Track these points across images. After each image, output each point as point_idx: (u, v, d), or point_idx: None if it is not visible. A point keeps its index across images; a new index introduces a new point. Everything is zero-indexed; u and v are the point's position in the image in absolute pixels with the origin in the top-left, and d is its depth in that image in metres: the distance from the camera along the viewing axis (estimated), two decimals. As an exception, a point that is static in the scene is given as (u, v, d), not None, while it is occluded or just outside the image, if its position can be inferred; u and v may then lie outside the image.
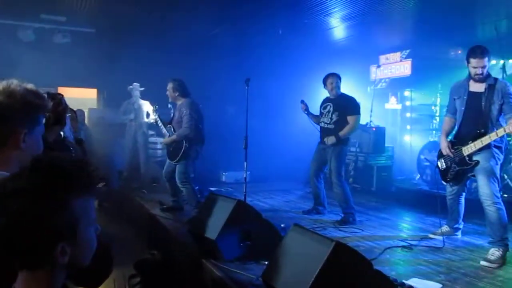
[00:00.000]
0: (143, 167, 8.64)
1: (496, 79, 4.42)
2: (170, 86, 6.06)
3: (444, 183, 4.88)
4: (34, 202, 1.05)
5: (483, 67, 4.32)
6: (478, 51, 4.31)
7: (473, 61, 4.31)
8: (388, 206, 7.03)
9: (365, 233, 5.34)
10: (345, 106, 5.95)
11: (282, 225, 4.84)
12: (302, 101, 6.32)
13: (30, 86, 1.64)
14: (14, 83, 1.58)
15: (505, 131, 4.09)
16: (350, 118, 5.89)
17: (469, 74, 4.49)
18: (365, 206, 6.89)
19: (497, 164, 4.35)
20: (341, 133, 5.83)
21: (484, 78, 4.37)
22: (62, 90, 9.25)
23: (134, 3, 7.33)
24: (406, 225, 5.95)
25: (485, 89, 4.38)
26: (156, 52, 8.99)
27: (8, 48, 8.26)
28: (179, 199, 6.28)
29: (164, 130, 6.20)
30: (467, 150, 4.39)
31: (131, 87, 8.65)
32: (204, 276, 3.94)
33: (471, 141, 4.35)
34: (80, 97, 10.16)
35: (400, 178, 8.67)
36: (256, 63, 9.21)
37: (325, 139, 5.87)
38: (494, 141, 4.28)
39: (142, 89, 8.69)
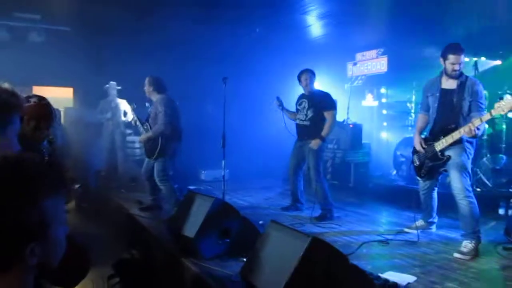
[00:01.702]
0: (121, 166, 8.57)
1: (467, 77, 4.54)
2: (146, 81, 6.08)
3: (419, 179, 4.99)
4: (2, 202, 1.04)
5: (460, 63, 4.43)
6: (457, 47, 4.43)
7: (452, 57, 4.41)
8: (365, 202, 7.13)
9: (343, 228, 5.42)
10: (321, 102, 6.00)
11: (260, 222, 4.88)
12: (277, 98, 6.34)
13: (6, 85, 1.63)
14: None
15: (464, 131, 4.20)
16: (327, 114, 5.95)
17: (443, 71, 4.59)
18: (343, 202, 6.97)
19: (468, 158, 4.47)
20: (323, 133, 5.90)
21: (458, 75, 4.48)
22: (37, 89, 9.12)
23: (111, 1, 7.26)
24: (383, 220, 6.05)
25: (457, 86, 4.49)
26: (133, 51, 8.91)
27: (-19, 47, 8.12)
28: (157, 198, 6.26)
29: (142, 129, 6.18)
30: (439, 145, 4.50)
31: (107, 86, 8.57)
32: (183, 274, 3.95)
33: (442, 137, 4.47)
34: (56, 96, 9.99)
35: (377, 174, 8.79)
36: (234, 62, 9.22)
37: (311, 144, 5.89)
38: (466, 136, 4.40)
39: (119, 87, 8.61)
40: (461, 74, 4.51)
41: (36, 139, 2.70)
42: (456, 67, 4.43)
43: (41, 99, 2.73)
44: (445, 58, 4.48)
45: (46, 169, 1.13)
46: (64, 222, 1.19)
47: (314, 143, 5.85)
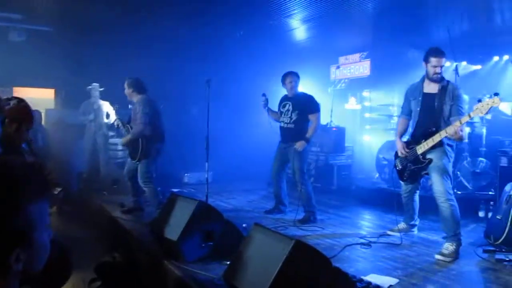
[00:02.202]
0: (103, 168, 8.49)
1: (448, 81, 4.61)
2: (125, 83, 6.04)
3: (401, 182, 5.04)
4: None
5: (442, 66, 4.51)
6: (438, 50, 4.50)
7: (434, 60, 4.48)
8: (348, 205, 7.18)
9: (326, 231, 5.45)
10: (305, 105, 6.03)
11: (244, 225, 4.87)
12: (263, 95, 6.33)
13: None
14: None
15: (446, 132, 4.27)
16: (311, 116, 5.97)
17: (425, 75, 4.66)
18: (326, 205, 7.01)
19: (449, 162, 4.54)
20: (308, 135, 5.92)
21: (440, 79, 4.55)
22: (17, 90, 9.00)
23: (93, 1, 7.19)
24: (366, 222, 6.10)
25: (439, 90, 4.56)
26: (116, 52, 8.85)
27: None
28: (139, 200, 6.21)
29: (124, 131, 6.13)
30: (421, 149, 4.56)
31: (90, 87, 8.49)
32: (166, 277, 3.92)
33: (423, 140, 4.53)
34: (37, 97, 9.86)
35: (359, 177, 8.86)
36: (218, 64, 9.23)
37: (296, 146, 5.89)
38: (447, 139, 4.46)
39: (101, 89, 8.54)
40: (442, 78, 4.58)
41: (18, 141, 2.70)
42: (438, 69, 4.50)
43: (20, 101, 2.73)
44: (426, 61, 4.55)
45: (30, 172, 1.11)
46: (48, 226, 1.18)
47: (299, 145, 5.87)
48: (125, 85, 6.04)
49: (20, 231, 1.07)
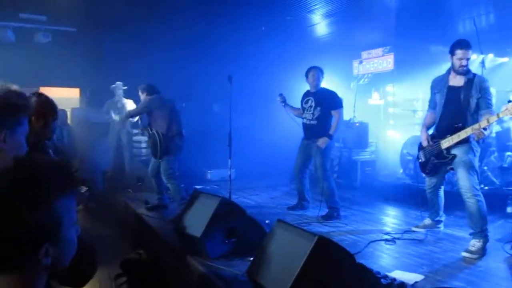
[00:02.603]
0: (128, 166, 8.60)
1: (474, 74, 4.51)
2: (139, 91, 6.36)
3: (425, 176, 4.96)
4: (16, 204, 1.05)
5: (468, 59, 4.42)
6: (464, 42, 4.41)
7: (459, 52, 4.39)
8: (372, 201, 7.11)
9: (349, 227, 5.41)
10: (328, 101, 5.99)
11: (267, 221, 4.88)
12: (280, 94, 6.36)
13: (14, 87, 1.64)
14: None
15: (472, 130, 4.19)
16: (334, 112, 5.93)
17: (451, 67, 4.56)
18: (349, 201, 6.95)
19: (475, 156, 4.44)
20: (331, 131, 5.89)
21: (466, 71, 4.46)
22: (44, 90, 9.17)
23: (116, 2, 7.28)
24: (390, 218, 6.03)
25: (464, 83, 4.46)
26: (138, 51, 8.94)
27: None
28: (164, 197, 6.29)
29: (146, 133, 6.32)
30: (445, 143, 4.48)
31: (114, 86, 8.60)
32: (189, 274, 3.96)
33: (449, 135, 4.44)
34: (63, 97, 10.05)
35: (383, 173, 8.75)
36: (240, 60, 9.23)
37: (318, 143, 5.87)
38: (473, 134, 4.37)
39: (125, 87, 8.64)
40: (468, 71, 4.48)
41: (46, 136, 2.74)
42: (464, 62, 4.41)
43: (39, 95, 2.76)
44: (452, 53, 4.46)
45: (57, 170, 1.14)
46: (75, 222, 1.21)
47: (322, 142, 5.84)
48: (139, 93, 6.35)
49: (48, 227, 1.09)
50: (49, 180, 1.11)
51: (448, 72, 4.65)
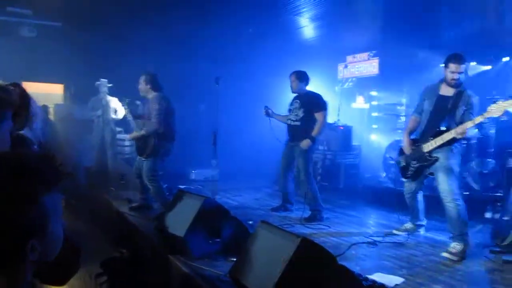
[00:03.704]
0: (111, 164, 8.52)
1: (465, 88, 4.59)
2: (142, 79, 5.93)
3: (404, 180, 5.03)
4: (4, 201, 1.04)
5: (460, 73, 4.49)
6: (457, 57, 4.49)
7: (452, 66, 4.47)
8: (355, 203, 7.17)
9: (332, 229, 5.45)
10: (312, 103, 6.02)
11: (250, 222, 4.89)
12: (265, 107, 6.40)
13: None
14: None
15: (456, 132, 4.27)
16: (318, 115, 5.96)
17: (444, 78, 4.63)
18: (332, 204, 7.00)
19: (456, 162, 4.53)
20: (314, 133, 5.91)
21: (458, 84, 4.53)
22: (27, 85, 9.04)
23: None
24: (372, 221, 6.09)
25: (454, 93, 4.55)
26: (125, 48, 8.89)
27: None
28: (148, 197, 6.21)
29: (133, 125, 6.10)
30: (428, 146, 4.56)
31: (98, 83, 8.51)
32: (172, 273, 3.95)
33: (431, 138, 4.52)
34: (46, 93, 9.94)
35: (367, 176, 8.83)
36: (227, 62, 9.23)
37: (301, 145, 5.89)
38: (456, 140, 4.45)
39: (110, 85, 8.55)
40: (460, 84, 4.55)
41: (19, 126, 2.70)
42: (455, 76, 4.48)
43: (16, 86, 2.70)
44: (446, 66, 4.55)
45: (43, 164, 1.13)
46: (61, 217, 1.20)
47: (305, 143, 5.87)
48: (142, 81, 5.93)
49: (35, 222, 1.09)
50: (36, 175, 1.10)
51: (441, 81, 4.73)
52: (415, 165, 4.75)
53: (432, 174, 4.69)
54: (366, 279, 3.47)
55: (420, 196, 5.10)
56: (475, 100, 4.51)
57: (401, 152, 4.96)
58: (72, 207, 6.95)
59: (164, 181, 6.22)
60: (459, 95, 4.52)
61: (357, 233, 5.26)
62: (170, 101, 5.94)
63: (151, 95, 5.90)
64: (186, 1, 7.37)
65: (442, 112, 4.58)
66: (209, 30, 8.73)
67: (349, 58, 10.41)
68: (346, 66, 10.15)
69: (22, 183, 1.07)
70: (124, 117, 6.25)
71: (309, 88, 6.27)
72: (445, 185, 4.43)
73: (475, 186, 6.59)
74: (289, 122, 6.14)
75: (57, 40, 8.75)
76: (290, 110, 6.20)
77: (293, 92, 6.21)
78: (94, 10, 7.76)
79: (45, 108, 8.62)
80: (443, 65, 4.61)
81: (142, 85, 5.94)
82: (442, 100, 4.64)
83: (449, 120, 4.52)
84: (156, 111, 5.71)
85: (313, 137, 5.89)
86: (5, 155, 1.13)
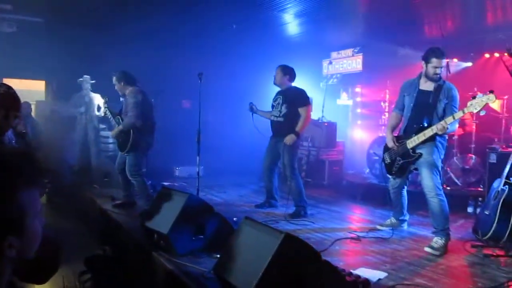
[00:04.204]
0: (94, 161, 8.44)
1: (444, 81, 4.66)
2: (114, 79, 5.97)
3: (389, 176, 5.08)
4: None
5: (442, 67, 4.54)
6: (440, 52, 4.53)
7: (435, 61, 4.50)
8: (339, 199, 7.23)
9: (316, 225, 5.47)
10: (295, 98, 6.02)
11: (234, 219, 4.89)
12: (250, 103, 6.43)
13: None
14: None
15: (437, 128, 4.32)
16: (301, 110, 5.96)
17: (423, 73, 4.66)
18: (316, 200, 7.04)
19: (439, 157, 4.59)
20: (298, 128, 5.91)
21: (439, 78, 4.58)
22: (8, 81, 8.90)
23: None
24: (356, 217, 6.14)
25: (434, 88, 4.60)
26: (107, 44, 8.78)
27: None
28: (131, 194, 6.16)
29: (114, 122, 6.07)
30: (411, 143, 4.60)
31: (81, 79, 8.42)
32: (156, 271, 3.93)
33: (414, 134, 4.57)
34: (28, 89, 9.79)
35: (350, 172, 8.90)
36: (211, 58, 9.20)
37: (285, 140, 5.88)
38: (440, 136, 4.50)
39: (93, 81, 8.47)
40: (440, 78, 4.61)
41: (4, 128, 2.69)
42: (438, 70, 4.54)
43: (9, 88, 2.71)
44: (427, 61, 4.56)
45: (21, 160, 1.12)
46: (40, 213, 1.18)
47: (289, 139, 5.87)
48: (114, 81, 5.96)
49: (12, 218, 1.07)
50: (14, 171, 1.09)
51: (420, 76, 4.76)
52: (400, 162, 4.79)
53: (416, 169, 4.74)
54: (350, 274, 3.49)
55: (404, 192, 5.16)
56: (455, 92, 4.56)
57: (386, 149, 5.00)
58: (55, 204, 6.89)
59: (148, 177, 6.19)
60: (439, 88, 4.57)
61: (341, 229, 5.29)
62: (146, 94, 5.92)
63: (127, 90, 5.89)
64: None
65: (423, 107, 4.63)
66: (193, 26, 8.68)
67: (334, 55, 10.46)
68: (330, 63, 10.19)
69: (0, 179, 1.06)
70: (105, 115, 6.21)
71: (294, 84, 6.28)
72: (428, 180, 4.48)
73: (457, 181, 6.68)
74: (272, 118, 6.14)
75: (38, 35, 8.60)
76: (273, 106, 6.20)
77: (274, 84, 6.20)
78: (75, 5, 7.64)
79: (27, 105, 8.50)
80: (423, 61, 4.64)
81: (117, 85, 5.97)
82: (422, 95, 4.68)
83: (431, 115, 4.57)
84: (132, 104, 5.71)
85: (297, 132, 5.90)
86: None
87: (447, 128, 4.31)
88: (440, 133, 4.37)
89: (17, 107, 2.74)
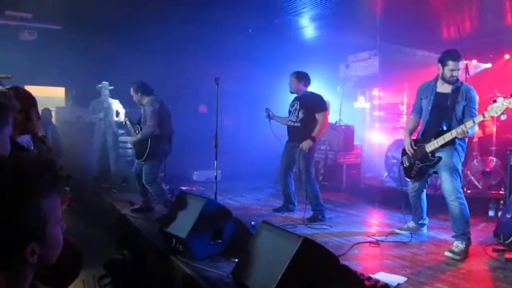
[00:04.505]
0: (113, 166, 8.54)
1: (462, 83, 4.60)
2: (131, 91, 6.05)
3: (408, 180, 5.02)
4: (3, 204, 1.05)
5: (459, 69, 4.49)
6: (456, 54, 4.48)
7: (452, 64, 4.45)
8: (357, 203, 7.17)
9: (334, 229, 5.44)
10: (312, 104, 6.01)
11: (252, 223, 4.89)
12: (266, 109, 6.40)
13: None
14: None
15: (457, 132, 4.27)
16: (318, 116, 5.95)
17: (440, 75, 4.62)
18: (334, 203, 7.00)
19: (459, 160, 4.52)
20: (314, 134, 5.90)
21: (456, 80, 4.53)
22: (28, 88, 9.07)
23: (103, 1, 7.23)
24: (374, 221, 6.09)
25: (452, 90, 4.54)
26: (126, 50, 8.90)
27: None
28: (149, 199, 6.21)
29: (133, 131, 6.14)
30: (430, 147, 4.54)
31: (100, 85, 8.54)
32: (175, 275, 3.95)
33: (433, 138, 4.51)
34: (48, 96, 9.96)
35: (368, 176, 8.83)
36: (228, 63, 9.24)
37: (302, 145, 5.86)
38: (459, 139, 4.45)
39: (111, 87, 8.58)
40: (457, 80, 4.56)
41: (29, 130, 2.69)
42: (455, 73, 4.48)
43: (17, 88, 2.69)
44: (444, 64, 4.51)
45: (42, 167, 1.14)
46: (60, 219, 1.20)
47: (305, 145, 5.86)
48: (132, 92, 6.04)
49: (34, 225, 1.09)
50: (35, 178, 1.11)
51: (436, 79, 4.71)
52: (419, 165, 4.74)
53: (436, 172, 4.68)
54: (369, 278, 3.47)
55: (423, 195, 5.09)
56: (474, 93, 4.50)
57: (404, 152, 4.95)
58: (75, 209, 6.98)
59: (166, 182, 6.24)
60: (456, 90, 4.51)
61: (359, 233, 5.25)
62: (163, 103, 5.98)
63: (145, 100, 5.96)
64: (185, 3, 7.36)
65: (441, 110, 4.57)
66: (209, 32, 8.73)
67: (350, 58, 10.42)
68: (347, 66, 10.15)
69: (20, 186, 1.08)
70: (125, 125, 6.31)
71: (310, 88, 6.27)
72: (448, 184, 4.42)
73: (478, 184, 6.58)
74: (289, 123, 6.14)
75: (58, 43, 8.77)
76: (290, 112, 6.20)
77: (291, 92, 6.21)
78: (94, 13, 7.76)
79: (48, 111, 8.65)
80: (440, 64, 4.59)
81: (134, 96, 6.05)
82: (440, 97, 4.62)
83: (450, 118, 4.51)
84: (150, 113, 5.78)
85: (313, 137, 5.89)
86: (4, 158, 1.14)
87: (467, 132, 4.26)
88: (460, 137, 4.32)
89: (34, 105, 2.72)
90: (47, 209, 1.13)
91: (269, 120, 6.35)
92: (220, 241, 4.07)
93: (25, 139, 2.86)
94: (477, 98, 4.55)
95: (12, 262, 1.10)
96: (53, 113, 9.26)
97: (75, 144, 8.74)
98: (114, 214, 6.39)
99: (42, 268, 1.18)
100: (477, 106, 4.51)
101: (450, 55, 4.49)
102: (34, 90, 8.70)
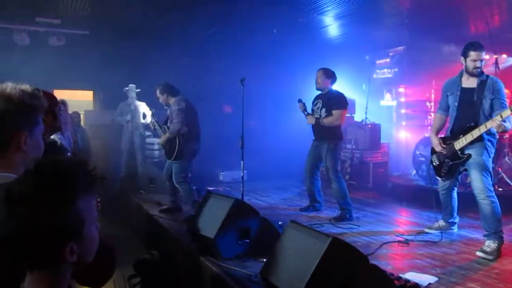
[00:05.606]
0: (141, 168, 8.67)
1: (487, 76, 4.49)
2: (157, 92, 6.13)
3: (438, 178, 4.94)
4: (42, 206, 1.08)
5: (482, 60, 4.40)
6: (477, 44, 4.40)
7: (473, 54, 4.37)
8: (384, 202, 7.09)
9: (362, 229, 5.39)
10: (333, 101, 5.98)
11: (280, 223, 4.87)
12: (300, 100, 6.32)
13: (24, 87, 1.65)
14: (9, 86, 1.59)
15: (486, 127, 4.18)
16: (335, 112, 5.90)
17: (464, 69, 4.54)
18: (361, 202, 6.94)
19: (489, 157, 4.41)
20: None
21: (480, 73, 4.44)
22: (57, 92, 9.28)
23: (129, 4, 7.34)
24: (403, 220, 6.01)
25: (477, 84, 4.44)
26: (151, 53, 9.02)
27: (3, 51, 8.28)
28: (177, 199, 6.29)
29: (160, 132, 6.22)
30: (459, 144, 4.46)
31: (127, 88, 8.68)
32: (203, 274, 3.98)
33: (462, 135, 4.43)
34: (76, 99, 10.18)
35: (396, 174, 8.73)
36: (252, 63, 9.25)
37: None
38: (488, 134, 4.35)
39: (138, 90, 8.71)
40: (482, 72, 4.46)
41: (58, 128, 2.74)
42: (478, 63, 4.39)
43: (38, 90, 2.73)
44: (466, 55, 4.44)
45: (78, 168, 1.17)
46: (96, 219, 1.23)
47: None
48: (158, 94, 6.13)
49: (72, 225, 1.12)
50: (72, 180, 1.14)
51: (461, 74, 4.63)
52: (449, 163, 4.65)
53: (466, 170, 4.59)
54: (399, 278, 3.43)
55: (454, 193, 4.98)
56: (501, 85, 4.39)
57: (433, 150, 4.86)
58: (104, 211, 7.09)
59: (193, 183, 6.28)
60: (482, 85, 4.41)
61: (387, 232, 5.19)
62: (189, 101, 6.05)
63: (172, 100, 6.05)
64: (210, 3, 7.41)
65: (468, 106, 4.47)
66: (234, 33, 8.76)
67: (375, 55, 10.31)
68: (373, 64, 10.04)
69: (59, 187, 1.11)
70: (153, 127, 6.41)
71: (335, 87, 6.23)
72: (479, 182, 4.32)
73: (510, 182, 6.43)
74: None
75: (86, 47, 8.95)
76: (313, 110, 6.18)
77: (317, 89, 6.15)
78: (119, 18, 7.88)
79: (77, 114, 8.83)
80: (462, 57, 4.50)
81: (160, 97, 6.14)
82: (466, 93, 4.53)
83: (477, 114, 4.41)
84: (177, 111, 5.87)
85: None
86: (41, 161, 1.17)
87: (506, 126, 4.12)
88: (499, 130, 4.19)
89: (56, 101, 2.75)
90: (84, 209, 1.16)
91: (305, 113, 6.23)
92: (247, 240, 4.08)
93: (65, 137, 2.90)
94: (504, 90, 4.43)
95: (53, 261, 1.13)
96: (82, 116, 9.44)
97: (103, 146, 8.90)
98: (142, 214, 6.48)
99: (79, 267, 1.21)
100: (505, 98, 4.41)
101: (471, 45, 4.41)
102: (63, 94, 8.91)
